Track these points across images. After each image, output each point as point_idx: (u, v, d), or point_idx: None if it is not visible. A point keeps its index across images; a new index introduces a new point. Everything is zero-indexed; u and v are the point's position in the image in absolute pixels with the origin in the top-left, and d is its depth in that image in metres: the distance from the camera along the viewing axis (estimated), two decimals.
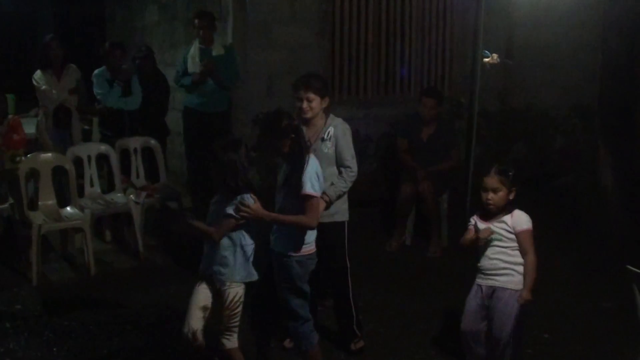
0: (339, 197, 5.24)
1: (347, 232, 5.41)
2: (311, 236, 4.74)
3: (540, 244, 4.88)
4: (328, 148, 5.21)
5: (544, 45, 9.72)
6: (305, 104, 5.11)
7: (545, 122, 10.04)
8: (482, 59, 5.39)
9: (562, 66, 9.85)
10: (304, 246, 4.69)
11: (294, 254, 4.68)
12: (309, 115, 5.14)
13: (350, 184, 5.26)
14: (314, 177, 4.59)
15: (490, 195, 4.78)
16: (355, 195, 5.55)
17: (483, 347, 4.94)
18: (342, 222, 5.37)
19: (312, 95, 5.11)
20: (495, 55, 5.30)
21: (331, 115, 5.31)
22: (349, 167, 5.24)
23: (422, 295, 6.49)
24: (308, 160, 4.62)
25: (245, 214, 4.53)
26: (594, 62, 9.54)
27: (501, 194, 4.76)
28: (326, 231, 5.10)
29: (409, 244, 7.81)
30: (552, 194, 9.30)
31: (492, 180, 4.78)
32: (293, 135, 4.62)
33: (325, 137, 5.22)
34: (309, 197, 4.56)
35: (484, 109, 8.93)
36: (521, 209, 4.85)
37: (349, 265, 5.43)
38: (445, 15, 9.49)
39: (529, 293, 4.72)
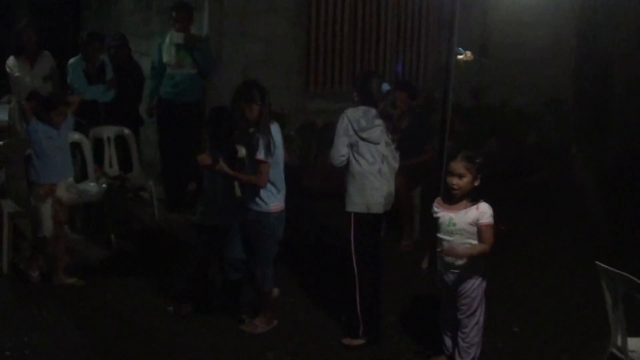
0: None
1: (355, 225, 5.50)
2: (277, 196, 5.42)
3: (512, 239, 4.93)
4: None
5: (519, 43, 9.80)
6: None
7: (518, 118, 10.10)
8: (456, 56, 5.41)
9: (536, 64, 9.93)
10: (272, 204, 5.38)
11: (268, 210, 5.38)
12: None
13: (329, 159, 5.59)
14: (269, 147, 5.23)
15: (456, 180, 4.81)
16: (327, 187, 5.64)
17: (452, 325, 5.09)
18: (348, 212, 5.53)
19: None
20: (469, 53, 5.37)
21: (352, 108, 5.56)
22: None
23: (394, 287, 6.50)
24: (262, 136, 5.24)
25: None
26: (568, 60, 9.63)
27: (466, 179, 4.80)
28: None
29: (381, 236, 7.81)
30: (525, 189, 9.38)
31: (458, 165, 4.83)
32: (259, 102, 5.24)
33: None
34: (259, 162, 5.23)
35: (458, 105, 8.98)
36: (494, 204, 4.88)
37: (354, 256, 5.50)
38: (421, 10, 9.54)
39: (458, 253, 4.79)
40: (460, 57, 5.33)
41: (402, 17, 9.45)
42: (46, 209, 6.40)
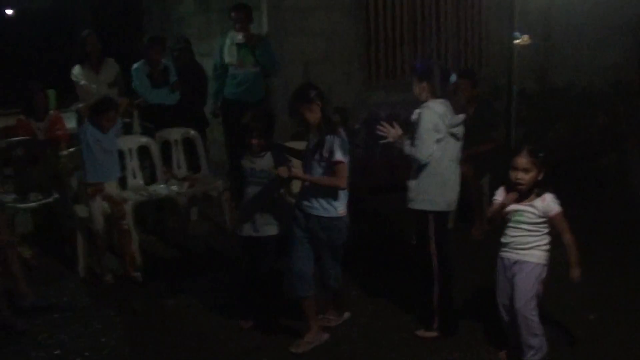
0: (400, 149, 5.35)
1: (436, 224, 5.36)
2: (345, 199, 5.21)
3: (583, 224, 4.85)
4: (412, 132, 5.32)
5: (583, 24, 9.61)
6: (415, 89, 5.36)
7: (585, 101, 9.92)
8: (513, 41, 5.33)
9: (600, 45, 9.74)
10: (341, 208, 5.19)
11: (339, 215, 5.18)
12: (418, 98, 5.35)
13: (414, 158, 5.26)
14: (343, 147, 5.02)
15: (520, 174, 4.75)
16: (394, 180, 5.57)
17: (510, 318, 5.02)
18: (424, 211, 5.35)
19: (413, 79, 5.37)
20: (526, 37, 5.26)
21: (432, 100, 5.28)
22: (416, 147, 5.23)
23: (467, 278, 6.46)
24: (337, 134, 5.06)
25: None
26: (632, 40, 9.41)
27: (532, 174, 4.75)
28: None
29: (451, 227, 7.74)
30: (594, 173, 9.22)
31: (523, 160, 4.76)
32: (318, 102, 5.05)
33: (415, 117, 5.32)
34: (337, 162, 5.01)
35: (522, 90, 8.88)
36: (562, 189, 4.83)
37: (433, 253, 5.39)
38: None
39: (577, 270, 4.74)
40: (517, 41, 5.22)
41: (462, 3, 9.36)
42: (96, 205, 6.63)
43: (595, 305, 5.89)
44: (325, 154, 5.03)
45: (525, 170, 4.74)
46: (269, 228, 5.47)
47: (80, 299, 6.34)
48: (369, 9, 8.97)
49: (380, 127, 5.41)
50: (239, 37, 8.10)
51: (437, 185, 5.31)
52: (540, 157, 4.78)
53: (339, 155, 4.99)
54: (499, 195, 4.95)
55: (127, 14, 13.14)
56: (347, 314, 5.79)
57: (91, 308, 6.15)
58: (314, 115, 5.08)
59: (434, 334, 5.51)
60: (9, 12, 15.67)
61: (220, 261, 7.09)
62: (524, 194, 4.82)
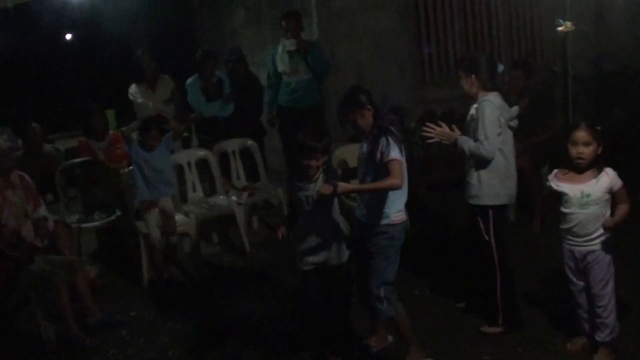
0: (463, 152, 5.26)
1: (496, 218, 5.30)
2: (401, 204, 4.92)
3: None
4: (470, 124, 5.27)
5: (635, 5, 9.41)
6: (463, 83, 5.31)
7: None
8: (557, 28, 5.26)
9: None
10: (399, 213, 4.91)
11: (395, 221, 4.89)
12: (468, 92, 5.32)
13: (479, 155, 5.17)
14: (397, 146, 4.76)
15: (581, 148, 4.69)
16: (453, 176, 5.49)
17: (586, 302, 4.97)
18: (485, 206, 5.29)
19: (460, 74, 5.32)
20: (569, 23, 5.19)
21: (488, 93, 5.23)
22: (480, 143, 5.14)
23: (530, 270, 6.36)
24: (390, 133, 4.80)
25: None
26: None
27: (592, 147, 4.69)
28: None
29: (513, 219, 7.67)
30: None
31: (582, 134, 4.70)
32: (369, 107, 4.83)
33: (472, 112, 5.27)
34: (393, 160, 4.73)
35: (578, 75, 8.72)
36: (622, 175, 4.74)
37: (494, 248, 5.33)
38: None
39: (613, 221, 4.66)
40: (560, 28, 5.15)
41: None
42: (151, 219, 6.75)
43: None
44: (379, 155, 4.79)
45: (586, 144, 4.69)
46: (341, 255, 5.01)
47: (146, 313, 6.44)
48: (418, 7, 8.91)
49: (426, 128, 5.37)
50: (291, 44, 8.13)
51: (500, 179, 5.26)
52: (598, 131, 4.73)
53: (394, 154, 4.73)
54: (555, 180, 4.87)
55: (181, 31, 13.32)
56: (390, 338, 5.45)
57: (157, 322, 6.25)
58: (365, 120, 4.88)
59: (499, 329, 5.45)
60: (68, 36, 16.01)
61: (282, 269, 7.10)
62: (582, 170, 4.75)
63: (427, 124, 5.42)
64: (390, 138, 4.79)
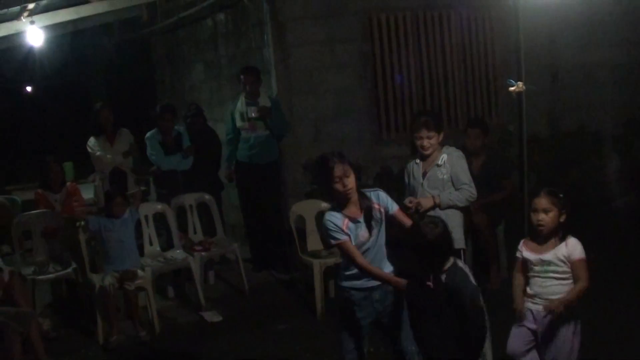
0: (448, 206, 5.72)
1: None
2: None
3: (600, 268, 4.77)
4: (443, 174, 5.80)
5: (590, 65, 9.68)
6: (426, 142, 5.71)
7: (599, 142, 9.93)
8: (508, 88, 5.41)
9: (609, 85, 9.77)
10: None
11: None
12: (429, 151, 5.77)
13: (465, 202, 5.79)
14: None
15: (541, 216, 4.69)
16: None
17: None
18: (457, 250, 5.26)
19: (432, 133, 5.70)
20: (520, 83, 5.30)
21: (445, 146, 5.81)
22: (466, 187, 5.76)
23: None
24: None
25: None
26: None
27: (552, 214, 4.67)
28: None
29: None
30: (611, 215, 9.13)
31: (542, 201, 4.70)
32: (352, 169, 4.54)
33: (440, 163, 5.75)
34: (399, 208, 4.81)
35: (534, 135, 8.91)
36: (580, 233, 4.75)
37: None
38: (486, 45, 9.51)
39: (561, 305, 4.57)
40: (512, 88, 5.26)
41: (468, 55, 9.43)
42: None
43: (626, 351, 5.71)
44: (383, 210, 4.65)
45: (545, 211, 4.68)
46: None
47: None
48: (376, 67, 9.04)
49: (408, 204, 5.64)
50: (252, 111, 8.16)
51: (459, 223, 5.84)
52: (561, 197, 4.72)
53: (394, 204, 4.71)
54: (522, 248, 4.87)
55: (141, 85, 13.38)
56: None
57: None
58: (351, 183, 4.53)
59: None
60: (28, 89, 16.00)
61: (239, 323, 7.06)
62: (546, 239, 4.73)
63: (409, 199, 5.75)
64: (381, 192, 4.71)
